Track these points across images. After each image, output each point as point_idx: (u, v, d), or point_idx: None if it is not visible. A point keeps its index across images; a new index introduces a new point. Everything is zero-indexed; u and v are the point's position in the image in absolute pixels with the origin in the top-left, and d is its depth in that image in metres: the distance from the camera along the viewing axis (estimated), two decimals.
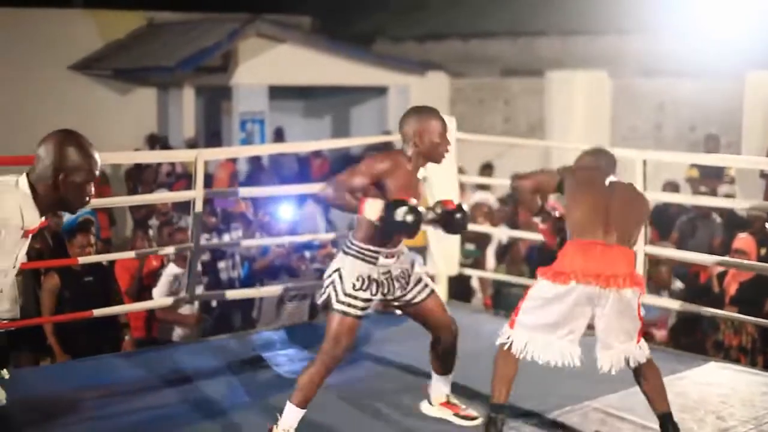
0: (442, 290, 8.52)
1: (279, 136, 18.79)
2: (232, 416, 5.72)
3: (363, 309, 5.15)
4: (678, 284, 9.01)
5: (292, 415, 5.13)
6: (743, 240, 8.51)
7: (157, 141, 17.99)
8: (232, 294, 7.99)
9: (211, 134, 19.48)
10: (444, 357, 5.49)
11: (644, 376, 5.21)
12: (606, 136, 17.21)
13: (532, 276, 10.09)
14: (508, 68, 19.48)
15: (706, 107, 15.92)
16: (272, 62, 18.53)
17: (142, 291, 8.39)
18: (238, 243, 9.04)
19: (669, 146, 15.81)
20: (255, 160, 16.39)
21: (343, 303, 5.11)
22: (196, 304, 8.13)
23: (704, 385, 6.34)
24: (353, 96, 20.61)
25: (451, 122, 8.43)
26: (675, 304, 8.00)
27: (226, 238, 9.31)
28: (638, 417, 5.59)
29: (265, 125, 18.68)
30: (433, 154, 5.13)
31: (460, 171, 8.87)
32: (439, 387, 5.57)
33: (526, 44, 19.18)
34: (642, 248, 7.26)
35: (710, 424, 5.58)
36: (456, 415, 5.53)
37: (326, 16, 22.48)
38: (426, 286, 5.38)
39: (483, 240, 10.89)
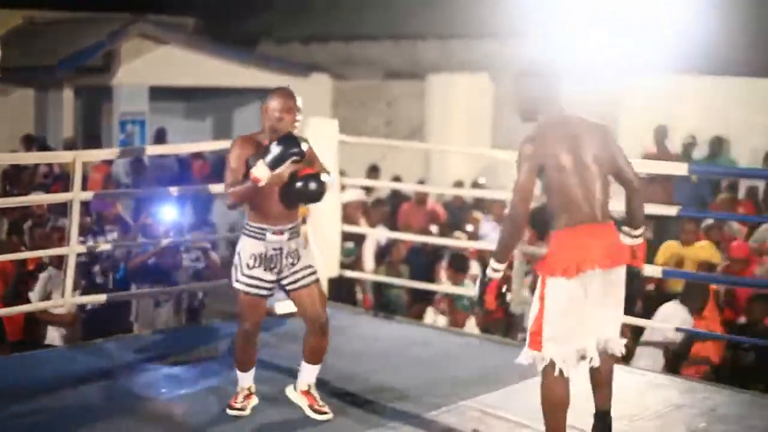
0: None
1: (160, 137, 18.58)
2: (110, 421, 5.66)
3: (260, 287, 5.50)
4: None
5: (241, 377, 5.78)
6: None
7: (33, 141, 17.62)
8: (106, 297, 7.93)
9: (90, 135, 19.19)
10: (309, 347, 5.65)
11: (603, 368, 5.04)
12: (487, 138, 17.40)
13: (412, 277, 10.26)
14: (389, 71, 19.57)
15: (584, 110, 16.16)
16: (154, 63, 18.36)
17: (18, 294, 8.25)
18: (115, 245, 8.91)
19: None
20: (137, 161, 16.20)
21: (241, 282, 5.51)
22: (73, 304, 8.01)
23: (582, 382, 6.44)
24: (236, 98, 20.51)
25: (333, 125, 8.50)
26: None
27: (100, 240, 9.15)
28: (514, 415, 5.66)
29: (146, 126, 18.49)
30: (278, 126, 5.38)
31: (342, 173, 8.90)
32: (304, 375, 5.73)
33: (408, 47, 19.29)
34: (518, 249, 7.37)
35: (584, 420, 5.67)
36: (310, 407, 5.69)
37: (209, 17, 22.32)
38: (311, 273, 5.57)
39: (359, 236, 10.95)
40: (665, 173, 9.50)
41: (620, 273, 4.86)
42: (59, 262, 7.71)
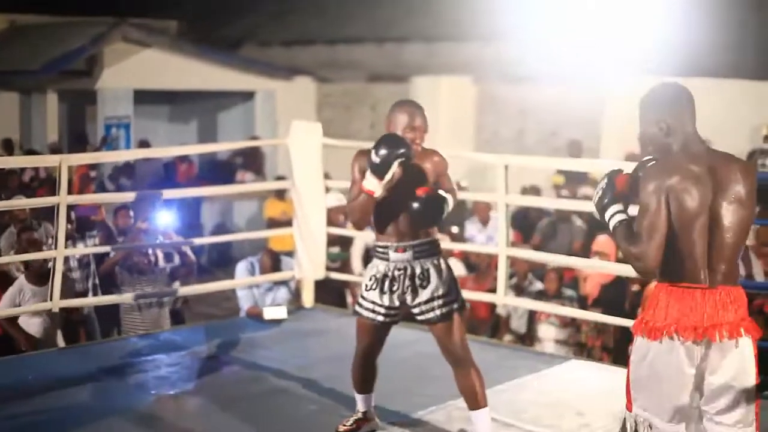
0: (308, 295, 8.58)
1: (143, 147, 18.57)
2: (101, 421, 5.69)
3: (374, 312, 5.16)
4: (538, 286, 9.17)
5: (357, 398, 5.51)
6: (602, 242, 8.70)
7: (12, 146, 17.56)
8: (92, 301, 7.92)
9: (76, 139, 19.20)
10: (458, 389, 5.23)
11: None
12: (470, 141, 17.47)
13: None
14: (373, 74, 19.62)
15: (567, 113, 16.26)
16: (138, 66, 18.34)
17: None
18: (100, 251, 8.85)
19: (531, 151, 16.13)
20: (126, 165, 16.22)
21: (358, 304, 5.24)
22: (49, 318, 7.86)
23: (565, 382, 6.51)
24: (220, 101, 20.53)
25: (317, 128, 8.55)
26: (539, 306, 8.28)
27: (80, 246, 9.00)
28: (501, 415, 5.66)
29: (130, 130, 18.48)
30: None
31: (326, 176, 8.94)
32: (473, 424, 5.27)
33: (392, 50, 19.34)
34: (504, 251, 7.43)
35: (569, 419, 5.73)
36: None
37: (193, 20, 22.36)
38: (439, 307, 5.06)
39: (347, 242, 10.95)
40: None
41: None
42: (35, 276, 7.70)
